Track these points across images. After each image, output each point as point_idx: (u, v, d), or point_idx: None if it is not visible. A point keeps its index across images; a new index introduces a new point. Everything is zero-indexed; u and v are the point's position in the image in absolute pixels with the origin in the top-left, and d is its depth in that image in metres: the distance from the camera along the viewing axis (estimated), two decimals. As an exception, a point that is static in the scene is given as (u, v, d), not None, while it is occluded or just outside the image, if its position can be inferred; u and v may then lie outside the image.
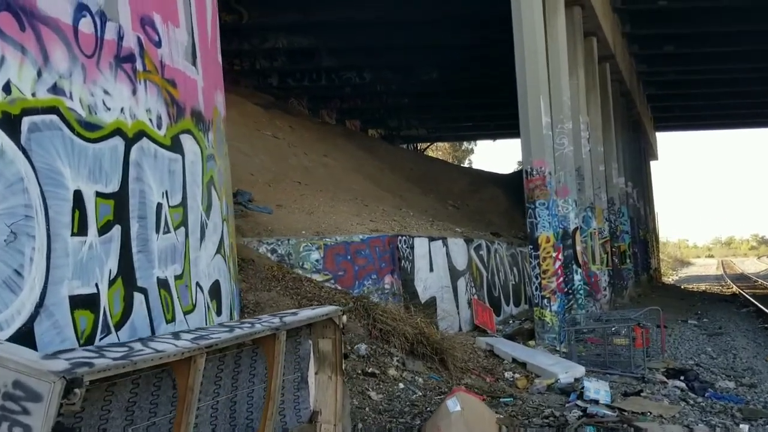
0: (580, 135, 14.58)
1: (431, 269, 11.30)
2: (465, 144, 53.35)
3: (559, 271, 10.34)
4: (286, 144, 15.86)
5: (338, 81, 26.44)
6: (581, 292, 12.54)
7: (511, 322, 14.30)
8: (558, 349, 9.95)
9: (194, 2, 6.50)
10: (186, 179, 5.77)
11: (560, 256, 10.39)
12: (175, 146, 5.62)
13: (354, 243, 9.87)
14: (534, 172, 10.27)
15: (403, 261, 10.31)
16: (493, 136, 44.07)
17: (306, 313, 4.84)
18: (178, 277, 5.46)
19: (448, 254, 12.10)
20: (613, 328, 8.84)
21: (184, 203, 5.68)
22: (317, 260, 9.65)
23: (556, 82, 12.56)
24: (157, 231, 5.16)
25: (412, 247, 10.68)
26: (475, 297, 13.11)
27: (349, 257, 9.82)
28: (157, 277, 5.10)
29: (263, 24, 20.63)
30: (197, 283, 5.85)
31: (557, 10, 12.51)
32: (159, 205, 5.21)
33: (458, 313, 12.17)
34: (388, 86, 27.92)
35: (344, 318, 4.79)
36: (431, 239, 11.47)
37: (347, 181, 15.35)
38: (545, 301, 10.18)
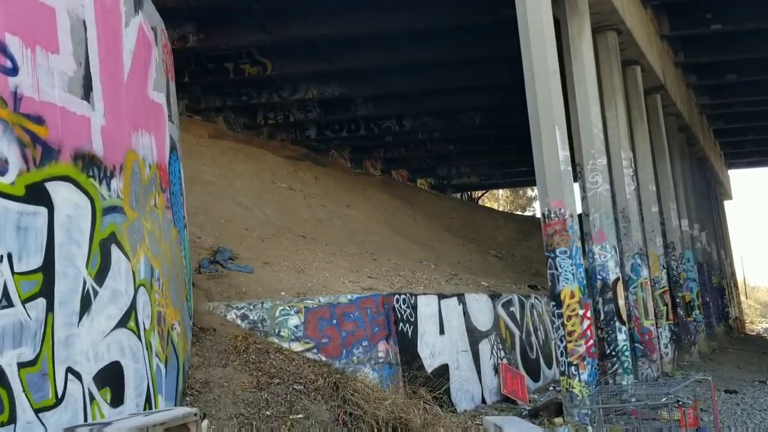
0: (621, 173, 12.88)
1: (441, 331, 9.78)
2: (529, 191, 51.22)
3: (589, 332, 8.66)
4: (301, 196, 14.81)
5: (378, 130, 25.50)
6: (626, 354, 10.70)
7: (552, 388, 12.47)
8: (589, 429, 8.20)
9: (97, 29, 5.47)
10: (55, 238, 4.62)
11: (589, 314, 8.72)
12: (34, 196, 4.50)
13: (341, 304, 8.52)
14: (552, 215, 8.73)
15: (401, 324, 8.87)
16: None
17: (155, 417, 3.53)
18: (25, 364, 4.25)
19: (465, 313, 10.56)
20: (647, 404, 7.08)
21: (46, 268, 4.52)
22: (297, 326, 8.33)
23: (584, 113, 11.05)
24: (-16, 305, 4.01)
25: (414, 307, 9.23)
26: (504, 362, 11.45)
27: (334, 321, 8.46)
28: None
29: (290, 75, 19.96)
30: (69, 369, 4.63)
31: (582, 32, 11.08)
32: (-10, 272, 4.08)
33: (480, 382, 10.53)
34: (431, 133, 26.79)
35: (204, 424, 3.44)
36: (442, 297, 9.98)
37: (365, 233, 14.10)
38: (572, 368, 8.49)
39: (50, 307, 4.51)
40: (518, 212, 42.46)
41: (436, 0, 15.58)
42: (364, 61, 18.61)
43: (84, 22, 5.33)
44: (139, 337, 5.62)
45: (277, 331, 8.26)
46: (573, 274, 8.65)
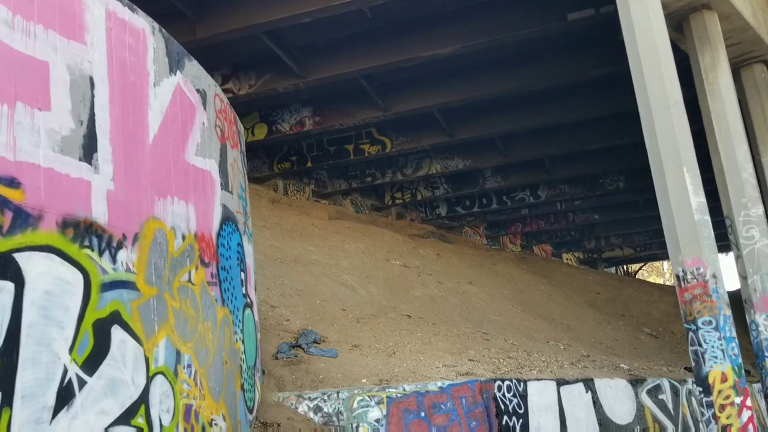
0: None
1: (563, 427, 8.10)
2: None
3: (751, 427, 6.64)
4: (415, 273, 13.75)
5: (511, 203, 24.14)
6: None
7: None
8: None
9: (110, 87, 4.98)
10: (22, 317, 3.93)
11: (749, 402, 6.73)
12: (-4, 269, 3.86)
13: (430, 393, 7.23)
14: (688, 277, 6.97)
15: (505, 417, 7.37)
16: (726, 249, 37.71)
17: None
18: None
19: (596, 402, 8.79)
20: None
21: (5, 355, 3.80)
22: (378, 420, 7.13)
23: (729, 155, 9.21)
24: None
25: (523, 396, 7.71)
26: (652, 462, 9.39)
27: (422, 414, 7.17)
28: None
29: (411, 151, 19.43)
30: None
31: (717, 64, 9.40)
32: None
33: (620, 488, 8.60)
34: (570, 202, 24.93)
35: None
36: (562, 383, 8.35)
37: (485, 311, 12.67)
38: (733, 476, 6.48)
39: (7, 402, 3.76)
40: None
41: (556, 55, 14.47)
42: (485, 128, 17.63)
43: (91, 79, 4.84)
44: (152, 435, 4.75)
45: (355, 426, 7.11)
46: (723, 351, 6.78)
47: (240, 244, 7.03)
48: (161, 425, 4.87)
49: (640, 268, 36.30)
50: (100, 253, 4.60)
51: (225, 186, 6.74)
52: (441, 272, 14.83)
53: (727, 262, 35.46)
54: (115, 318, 4.61)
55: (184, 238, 5.63)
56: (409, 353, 8.38)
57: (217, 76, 14.86)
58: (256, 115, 17.16)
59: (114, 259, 4.71)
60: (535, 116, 16.97)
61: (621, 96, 15.97)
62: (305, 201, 18.57)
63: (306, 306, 9.92)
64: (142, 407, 4.70)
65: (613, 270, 34.70)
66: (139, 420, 4.66)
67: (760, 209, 9.18)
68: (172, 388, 5.10)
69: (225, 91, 14.88)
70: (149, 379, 4.84)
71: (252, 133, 17.22)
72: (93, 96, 4.85)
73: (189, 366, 5.38)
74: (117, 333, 4.60)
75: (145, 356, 4.84)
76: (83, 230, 4.49)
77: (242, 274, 6.98)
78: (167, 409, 4.98)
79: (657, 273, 40.43)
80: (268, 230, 13.23)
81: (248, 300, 7.12)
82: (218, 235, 6.35)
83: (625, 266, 36.25)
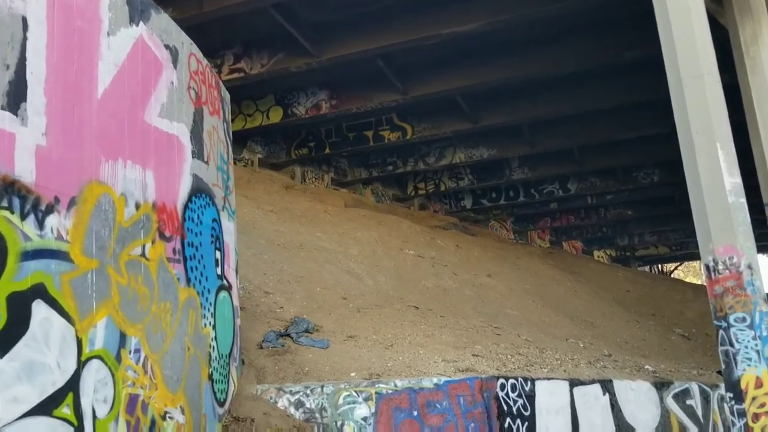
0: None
1: (575, 431, 7.31)
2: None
3: (791, 440, 5.81)
4: (430, 263, 13.01)
5: (539, 196, 23.16)
6: None
7: None
8: None
9: (49, 31, 4.37)
10: None
11: (788, 412, 5.89)
12: None
13: (424, 390, 6.51)
14: (719, 267, 6.12)
15: (508, 419, 6.62)
16: (765, 249, 36.01)
17: None
18: None
19: (614, 406, 7.97)
20: None
21: None
22: (365, 418, 6.44)
23: (770, 134, 8.27)
24: None
25: (529, 397, 6.94)
26: (677, 474, 8.54)
27: (415, 413, 6.45)
28: None
29: (433, 138, 18.66)
30: None
31: (759, 36, 8.47)
32: None
33: (640, 502, 7.78)
34: (602, 197, 23.85)
35: None
36: (576, 383, 7.55)
37: (501, 305, 11.87)
38: (767, 495, 5.65)
39: None
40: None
41: (587, 34, 13.52)
42: (510, 115, 16.74)
43: (23, 19, 4.23)
44: (80, 429, 4.12)
45: (339, 424, 6.42)
46: (758, 352, 5.92)
47: (216, 220, 6.40)
48: (95, 417, 4.25)
49: (676, 268, 34.94)
50: (23, 217, 3.98)
51: (198, 154, 6.10)
52: (458, 264, 14.06)
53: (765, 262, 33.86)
54: (39, 292, 3.99)
55: (138, 206, 5.00)
56: (408, 346, 7.67)
57: (229, 55, 14.31)
58: (271, 98, 16.59)
59: (41, 225, 4.09)
60: (564, 102, 16.04)
61: (657, 81, 14.95)
62: (323, 189, 17.95)
63: (304, 293, 9.28)
64: (70, 395, 4.08)
65: (647, 269, 33.43)
66: (65, 410, 4.03)
67: (805, 196, 8.24)
68: (113, 376, 4.47)
69: (237, 70, 14.32)
70: (81, 363, 4.22)
71: (267, 116, 16.66)
72: (25, 38, 4.24)
73: (137, 351, 4.75)
74: (40, 309, 3.98)
75: (77, 337, 4.22)
76: (1, 189, 3.89)
77: (217, 253, 6.34)
78: (104, 399, 4.36)
79: (694, 273, 38.90)
80: (276, 215, 12.63)
81: (225, 282, 6.49)
82: (185, 207, 5.72)
83: (659, 265, 34.93)
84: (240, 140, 17.81)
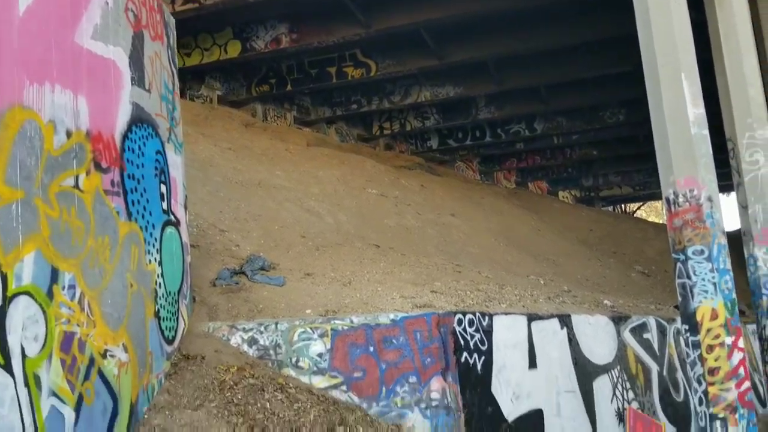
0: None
1: (532, 365, 7.32)
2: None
3: (742, 370, 5.84)
4: (393, 203, 12.83)
5: (505, 136, 23.00)
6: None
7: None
8: None
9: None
10: None
11: (741, 344, 5.91)
12: None
13: (380, 326, 6.40)
14: (679, 200, 6.03)
15: (465, 353, 6.56)
16: (726, 189, 36.58)
17: None
18: None
19: (572, 340, 7.99)
20: None
21: None
22: (320, 354, 6.33)
23: (735, 69, 8.13)
24: None
25: (487, 332, 6.88)
26: (633, 406, 8.67)
27: (371, 349, 6.36)
28: None
29: (398, 76, 18.22)
30: None
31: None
32: None
33: (595, 433, 7.88)
34: (567, 136, 23.79)
35: None
36: (534, 318, 7.53)
37: (463, 244, 11.81)
38: (718, 424, 5.68)
39: None
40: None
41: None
42: (476, 51, 16.35)
43: None
44: (7, 367, 3.89)
45: (294, 360, 6.31)
46: (715, 285, 5.91)
47: (160, 152, 6.07)
48: (24, 355, 4.02)
49: (638, 208, 35.43)
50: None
51: (138, 82, 5.73)
52: (422, 203, 13.91)
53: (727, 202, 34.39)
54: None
55: (69, 135, 4.66)
56: (366, 283, 7.53)
57: (182, -16, 13.63)
58: (229, 32, 15.94)
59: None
60: (531, 38, 15.70)
61: (624, 18, 14.71)
62: (285, 127, 17.51)
63: (261, 232, 9.04)
64: (-6, 334, 3.84)
65: (610, 209, 33.81)
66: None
67: (767, 131, 8.16)
68: (44, 313, 4.22)
69: (191, 0, 13.68)
70: (7, 300, 3.95)
71: (225, 50, 16.04)
72: (-73, -56, 3.80)
73: (72, 287, 4.49)
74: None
75: (2, 272, 3.94)
76: None
77: (163, 187, 6.04)
78: (34, 337, 4.12)
79: (656, 213, 39.53)
80: (234, 153, 12.25)
81: (172, 217, 6.21)
82: (125, 137, 5.38)
83: (623, 205, 35.37)
84: (198, 76, 17.22)
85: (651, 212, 38.85)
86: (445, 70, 17.82)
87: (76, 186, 4.68)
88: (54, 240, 4.37)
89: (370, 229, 10.75)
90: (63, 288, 4.41)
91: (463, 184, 19.19)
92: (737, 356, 5.87)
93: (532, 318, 7.47)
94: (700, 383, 5.90)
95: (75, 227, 4.60)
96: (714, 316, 5.88)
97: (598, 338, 8.44)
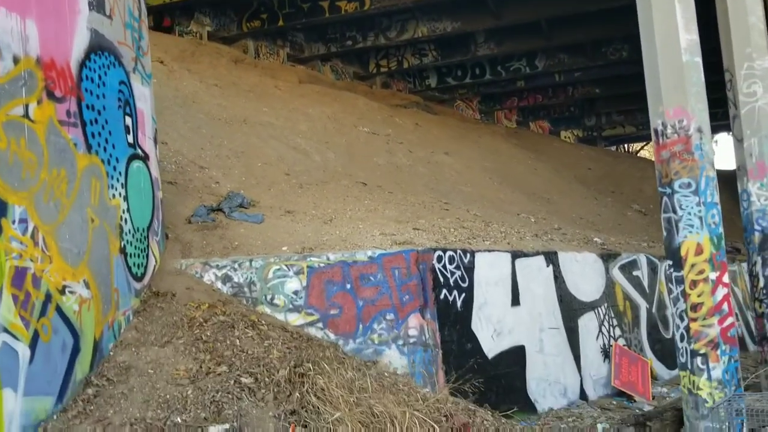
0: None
1: (515, 302, 7.20)
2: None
3: (726, 306, 5.70)
4: (384, 141, 12.55)
5: (505, 73, 22.40)
6: (800, 338, 7.44)
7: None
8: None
9: None
10: None
11: (726, 279, 5.76)
12: None
13: (358, 264, 6.26)
14: (668, 131, 5.79)
15: (443, 290, 6.44)
16: (727, 128, 35.99)
17: None
18: None
19: (557, 277, 7.86)
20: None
21: None
22: (296, 292, 6.21)
23: (736, -6, 7.70)
24: None
25: (468, 269, 6.74)
26: (619, 342, 8.63)
27: (348, 286, 6.23)
28: None
29: (393, 9, 17.59)
30: None
31: None
32: None
33: (579, 370, 7.83)
34: (569, 74, 23.15)
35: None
36: (518, 255, 7.37)
37: (455, 182, 11.58)
38: (698, 360, 5.59)
39: None
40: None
41: None
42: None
43: None
44: (-49, 303, 3.76)
45: (269, 298, 6.19)
46: (701, 219, 5.70)
47: (125, 83, 5.81)
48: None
49: (642, 148, 34.91)
50: None
51: (97, 7, 5.42)
52: (415, 142, 13.62)
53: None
54: None
55: (16, 61, 4.41)
56: (347, 221, 7.36)
57: None
58: (216, -37, 15.38)
59: None
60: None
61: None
62: (277, 64, 17.05)
63: (243, 169, 8.83)
64: (-65, 268, 3.68)
65: (613, 149, 33.35)
66: (-70, 283, 3.64)
67: (767, 61, 7.79)
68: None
69: (174, -70, 13.12)
70: (-51, 233, 3.79)
71: (213, -17, 15.52)
72: None
73: (23, 221, 4.32)
74: None
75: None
76: None
77: (128, 119, 5.81)
78: (-20, 271, 3.97)
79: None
80: (220, 89, 11.93)
81: (139, 151, 5.99)
82: (82, 65, 5.12)
83: (626, 145, 34.90)
84: (186, 11, 16.67)
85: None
86: (441, 2, 17.22)
87: (26, 115, 4.46)
88: (2, 172, 4.18)
89: (358, 167, 10.52)
90: (13, 222, 4.24)
91: (460, 123, 18.82)
92: (721, 292, 5.72)
93: (516, 255, 7.32)
94: (682, 319, 5.77)
95: (26, 159, 4.40)
96: (699, 251, 5.70)
97: (585, 275, 8.31)
